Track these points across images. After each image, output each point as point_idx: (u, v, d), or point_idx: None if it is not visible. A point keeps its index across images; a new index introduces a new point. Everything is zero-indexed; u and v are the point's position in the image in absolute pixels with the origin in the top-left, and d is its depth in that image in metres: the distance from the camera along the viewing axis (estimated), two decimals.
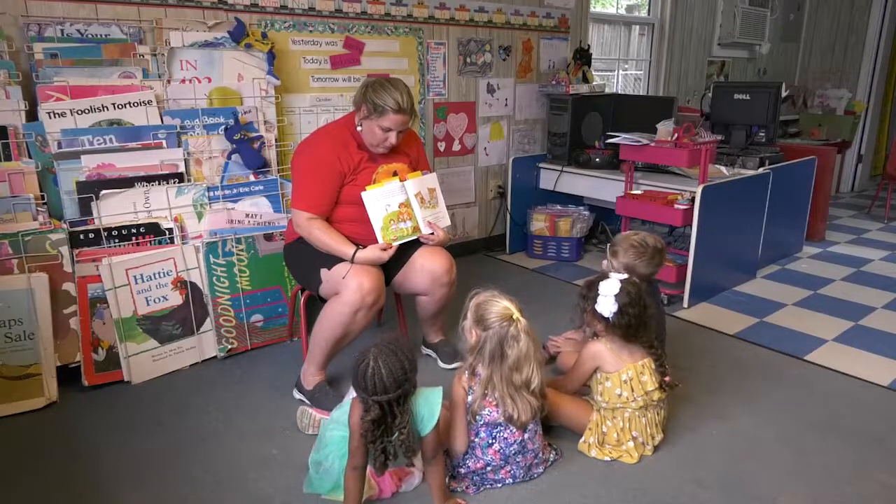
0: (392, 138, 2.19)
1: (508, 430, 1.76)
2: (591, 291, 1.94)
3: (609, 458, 1.92)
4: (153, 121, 2.49)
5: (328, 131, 2.32)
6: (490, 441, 1.76)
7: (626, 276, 1.96)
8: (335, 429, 1.73)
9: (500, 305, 1.73)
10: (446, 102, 3.66)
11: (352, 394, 1.90)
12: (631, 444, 1.92)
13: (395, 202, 2.22)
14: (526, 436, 1.78)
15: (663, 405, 2.00)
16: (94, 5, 2.44)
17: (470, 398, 1.75)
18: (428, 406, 1.63)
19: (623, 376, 1.89)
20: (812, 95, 6.20)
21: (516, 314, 1.72)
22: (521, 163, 3.95)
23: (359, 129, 2.22)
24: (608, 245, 2.31)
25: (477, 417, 1.74)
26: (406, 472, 1.77)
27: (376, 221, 2.19)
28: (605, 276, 1.96)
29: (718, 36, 5.33)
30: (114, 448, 1.98)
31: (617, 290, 1.87)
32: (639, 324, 1.89)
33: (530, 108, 4.11)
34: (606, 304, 1.88)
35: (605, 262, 2.28)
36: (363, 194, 2.18)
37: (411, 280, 2.36)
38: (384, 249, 2.17)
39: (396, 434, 1.57)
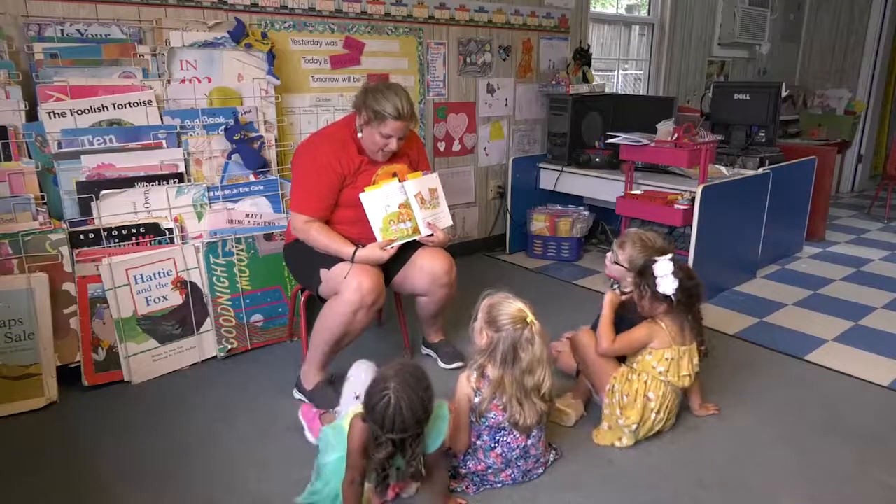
0: (392, 144, 2.19)
1: (511, 435, 1.76)
2: (646, 279, 1.97)
3: (620, 422, 1.96)
4: (153, 121, 2.49)
5: (328, 133, 2.32)
6: (493, 445, 1.76)
7: (669, 255, 1.99)
8: (331, 452, 1.68)
9: (513, 307, 1.72)
10: (446, 102, 3.66)
11: (345, 404, 1.86)
12: (640, 403, 1.95)
13: (395, 203, 2.21)
14: (529, 441, 1.78)
15: (679, 395, 2.04)
16: (94, 5, 2.44)
17: (477, 399, 1.74)
18: (435, 426, 1.57)
19: (666, 354, 1.96)
20: (812, 95, 6.20)
21: (530, 317, 1.71)
22: (521, 163, 3.95)
23: (359, 135, 2.22)
24: (616, 238, 2.33)
25: (482, 419, 1.74)
26: (405, 484, 1.73)
27: (375, 223, 2.19)
28: (650, 261, 1.99)
29: (718, 36, 5.33)
30: (114, 448, 1.98)
31: (672, 268, 1.92)
32: (699, 293, 1.96)
33: (530, 108, 4.11)
34: (668, 283, 1.91)
35: (609, 253, 2.29)
36: (361, 196, 2.18)
37: (411, 280, 2.36)
38: (383, 248, 2.16)
39: (405, 464, 1.50)
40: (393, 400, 1.44)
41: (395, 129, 2.15)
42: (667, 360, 1.96)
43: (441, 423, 1.59)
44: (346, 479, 1.58)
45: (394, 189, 2.22)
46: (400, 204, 2.22)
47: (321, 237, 2.18)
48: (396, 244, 2.20)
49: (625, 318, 2.12)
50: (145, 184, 2.44)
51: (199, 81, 2.61)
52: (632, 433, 1.98)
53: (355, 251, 2.13)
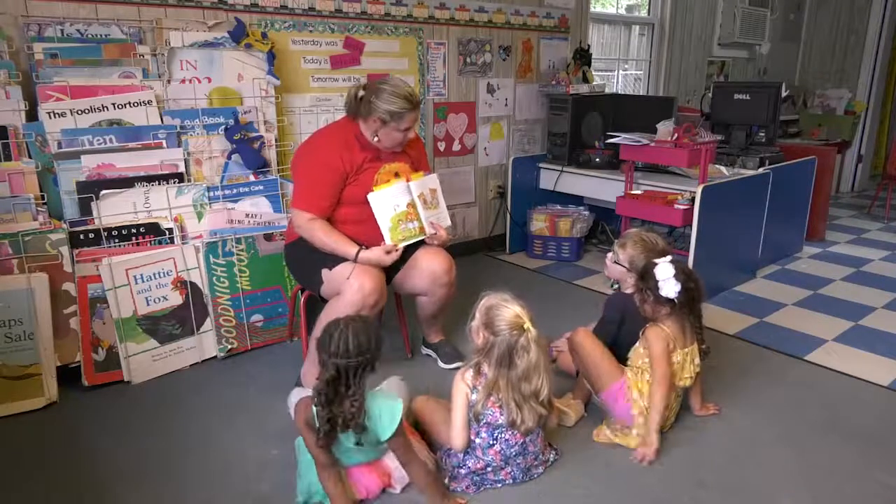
0: (412, 132, 2.26)
1: (510, 432, 1.75)
2: (647, 283, 1.96)
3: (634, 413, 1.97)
4: (153, 121, 2.49)
5: (329, 132, 2.33)
6: (491, 442, 1.76)
7: (669, 257, 1.99)
8: (305, 452, 1.72)
9: (510, 312, 1.71)
10: (446, 102, 3.66)
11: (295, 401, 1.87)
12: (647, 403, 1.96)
13: (403, 202, 2.22)
14: (527, 438, 1.78)
15: (680, 395, 2.05)
16: (94, 5, 2.44)
17: (474, 397, 1.74)
18: (388, 411, 1.62)
19: (674, 357, 1.96)
20: (812, 95, 6.20)
21: (527, 324, 1.70)
22: (521, 163, 3.95)
23: (375, 140, 2.22)
24: (617, 239, 2.32)
25: (479, 418, 1.74)
26: (388, 471, 1.75)
27: (384, 222, 2.19)
28: (650, 264, 1.98)
29: (718, 36, 5.33)
30: (114, 448, 1.98)
31: (674, 271, 1.91)
32: (700, 294, 1.97)
33: (530, 108, 4.11)
34: (670, 286, 1.91)
35: (610, 254, 2.28)
36: (370, 196, 2.18)
37: (411, 280, 2.36)
38: (388, 252, 2.16)
39: (347, 404, 1.57)
40: (342, 326, 1.60)
41: (413, 119, 2.21)
42: (674, 362, 1.97)
43: (395, 413, 1.63)
44: (317, 469, 1.63)
45: (401, 188, 2.23)
46: (408, 203, 2.23)
47: (324, 236, 2.18)
48: (402, 244, 2.20)
49: (626, 320, 2.12)
50: (145, 184, 2.44)
51: (199, 81, 2.61)
52: (637, 434, 1.97)
53: (358, 251, 2.13)
